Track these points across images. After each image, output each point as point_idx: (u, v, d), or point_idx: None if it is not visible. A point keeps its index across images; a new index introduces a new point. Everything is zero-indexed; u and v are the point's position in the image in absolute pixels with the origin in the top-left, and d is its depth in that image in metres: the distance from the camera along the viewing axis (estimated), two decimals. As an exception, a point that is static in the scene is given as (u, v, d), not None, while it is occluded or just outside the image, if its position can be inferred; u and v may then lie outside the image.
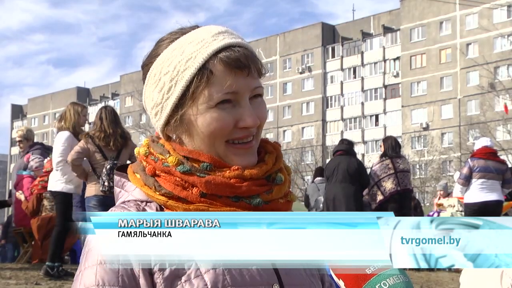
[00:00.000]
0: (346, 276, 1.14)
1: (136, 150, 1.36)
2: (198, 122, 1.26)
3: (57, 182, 6.80)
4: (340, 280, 1.14)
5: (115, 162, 6.22)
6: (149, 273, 1.19)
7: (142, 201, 1.29)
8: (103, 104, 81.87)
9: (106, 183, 6.20)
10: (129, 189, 1.32)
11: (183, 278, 1.18)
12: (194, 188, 1.25)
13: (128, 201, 1.30)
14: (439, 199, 11.79)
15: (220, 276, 1.19)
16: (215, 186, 1.24)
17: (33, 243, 8.89)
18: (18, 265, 8.31)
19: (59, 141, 6.81)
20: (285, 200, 1.32)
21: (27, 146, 9.06)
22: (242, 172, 1.26)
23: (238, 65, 1.25)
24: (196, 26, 1.32)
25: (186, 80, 1.25)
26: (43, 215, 8.64)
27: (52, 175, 6.96)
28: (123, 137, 6.48)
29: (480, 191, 8.62)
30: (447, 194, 11.52)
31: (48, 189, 7.10)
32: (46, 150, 9.04)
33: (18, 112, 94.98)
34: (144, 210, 1.27)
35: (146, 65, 1.35)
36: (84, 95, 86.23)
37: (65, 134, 6.82)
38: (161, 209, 1.27)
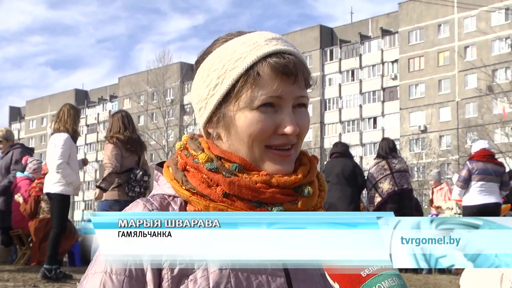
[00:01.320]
0: (341, 279, 1.13)
1: (176, 145, 1.39)
2: (238, 122, 1.27)
3: (56, 185, 6.77)
4: (336, 283, 1.14)
5: (145, 168, 6.46)
6: (157, 269, 1.20)
7: (169, 196, 1.31)
8: (101, 106, 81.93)
9: (137, 189, 6.36)
10: (161, 183, 1.35)
11: (190, 277, 1.19)
12: (218, 187, 1.26)
13: (157, 194, 1.32)
14: (432, 191, 11.76)
15: (224, 278, 1.19)
16: (238, 187, 1.24)
17: (31, 245, 8.87)
18: (16, 267, 8.29)
19: (59, 143, 6.76)
20: None
21: (8, 146, 9.01)
22: (269, 179, 1.26)
23: (286, 71, 1.26)
24: (254, 31, 1.34)
25: (233, 79, 1.26)
26: (41, 217, 8.63)
27: (49, 177, 6.91)
28: (141, 142, 6.62)
29: (479, 194, 8.62)
30: (440, 183, 11.45)
31: (45, 191, 7.06)
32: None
33: (16, 114, 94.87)
34: (168, 204, 1.29)
35: (199, 61, 1.36)
36: (82, 97, 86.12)
37: (64, 136, 6.78)
38: (185, 205, 1.29)
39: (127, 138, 6.49)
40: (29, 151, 9.18)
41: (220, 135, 1.32)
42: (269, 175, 1.26)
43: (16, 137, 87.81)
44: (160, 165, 1.41)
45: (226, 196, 1.24)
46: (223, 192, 1.25)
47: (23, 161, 9.16)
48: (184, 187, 1.28)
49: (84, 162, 7.89)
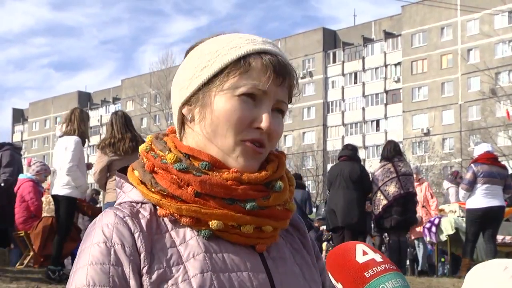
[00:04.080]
0: (344, 279, 1.13)
1: (140, 148, 1.35)
2: (216, 105, 1.25)
3: (64, 187, 6.80)
4: (339, 283, 1.14)
5: None
6: (139, 275, 1.18)
7: (137, 203, 1.27)
8: (104, 108, 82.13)
9: None
10: (126, 190, 1.31)
11: (170, 282, 1.17)
12: (189, 187, 1.23)
13: (124, 202, 1.29)
14: None
15: (207, 280, 1.18)
16: (210, 186, 1.22)
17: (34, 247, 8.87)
18: (19, 269, 8.30)
19: (70, 145, 6.79)
20: (283, 208, 1.30)
21: None
22: (240, 175, 1.24)
23: (276, 70, 1.25)
24: None
25: (223, 63, 1.25)
26: (43, 219, 8.63)
27: (57, 179, 6.93)
28: (133, 140, 6.49)
29: (484, 197, 8.58)
30: (419, 178, 11.29)
31: (53, 193, 7.04)
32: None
33: (19, 116, 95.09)
34: (138, 212, 1.25)
35: (191, 48, 1.34)
36: (85, 99, 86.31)
37: (75, 139, 6.83)
38: (155, 210, 1.26)
39: (108, 141, 6.46)
40: (18, 151, 9.03)
41: (194, 118, 1.29)
42: (239, 172, 1.25)
43: (19, 139, 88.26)
44: (122, 171, 1.36)
45: (198, 196, 1.22)
46: (195, 192, 1.22)
47: (26, 163, 9.15)
48: (153, 189, 1.25)
49: (89, 166, 7.89)
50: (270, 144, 1.29)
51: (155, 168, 1.27)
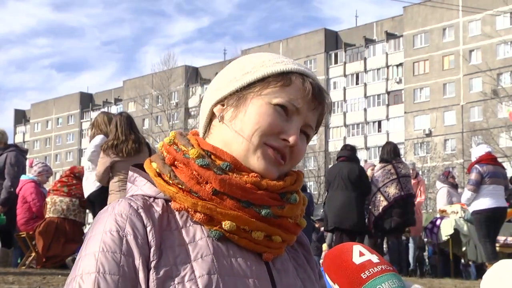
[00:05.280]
0: (341, 280, 1.13)
1: (160, 144, 1.36)
2: (252, 107, 1.29)
3: (95, 183, 6.84)
4: (336, 284, 1.14)
5: None
6: (147, 268, 1.19)
7: (150, 197, 1.29)
8: (106, 109, 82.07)
9: None
10: (139, 184, 1.32)
11: (176, 280, 1.18)
12: (208, 184, 1.24)
13: (136, 195, 1.30)
14: None
15: (214, 282, 1.19)
16: (229, 186, 1.24)
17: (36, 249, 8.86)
18: (21, 270, 8.30)
19: (94, 142, 6.91)
20: (294, 222, 1.32)
21: (0, 148, 8.66)
22: (260, 180, 1.26)
23: (314, 93, 1.32)
24: None
25: (266, 73, 1.31)
26: (47, 220, 8.61)
27: (87, 180, 6.95)
28: (136, 142, 6.51)
29: (491, 198, 8.49)
30: (416, 175, 11.17)
31: (88, 194, 7.00)
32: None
33: (21, 117, 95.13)
34: (150, 206, 1.26)
35: (237, 58, 1.40)
36: (87, 100, 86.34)
37: (100, 136, 6.94)
38: (167, 206, 1.27)
39: (111, 142, 6.50)
40: (23, 154, 9.02)
41: (224, 117, 1.31)
42: (259, 177, 1.26)
43: (21, 140, 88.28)
44: (136, 166, 1.38)
45: (215, 194, 1.24)
46: (213, 190, 1.24)
47: (28, 164, 9.14)
48: (171, 182, 1.27)
49: None
50: (291, 161, 1.32)
51: (176, 162, 1.29)
